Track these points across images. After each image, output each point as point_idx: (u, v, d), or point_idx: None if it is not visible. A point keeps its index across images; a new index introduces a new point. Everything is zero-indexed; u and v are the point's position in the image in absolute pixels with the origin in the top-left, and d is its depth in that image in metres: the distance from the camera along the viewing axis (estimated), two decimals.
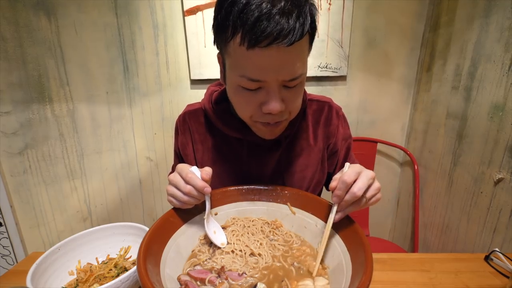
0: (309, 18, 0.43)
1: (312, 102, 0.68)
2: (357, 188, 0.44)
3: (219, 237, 0.52)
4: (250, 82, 0.46)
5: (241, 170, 0.66)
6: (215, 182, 0.64)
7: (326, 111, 0.68)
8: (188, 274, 0.45)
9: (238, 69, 0.46)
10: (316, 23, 0.47)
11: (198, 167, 0.51)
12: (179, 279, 0.43)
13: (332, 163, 0.72)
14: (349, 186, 0.44)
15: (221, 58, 0.52)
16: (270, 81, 0.46)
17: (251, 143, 0.64)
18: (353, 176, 0.44)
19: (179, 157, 0.73)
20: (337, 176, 0.47)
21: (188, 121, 0.68)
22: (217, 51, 0.53)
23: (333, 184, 0.46)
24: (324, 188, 0.75)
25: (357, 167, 0.46)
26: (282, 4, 0.40)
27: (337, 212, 0.47)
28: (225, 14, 0.43)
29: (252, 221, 0.58)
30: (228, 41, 0.44)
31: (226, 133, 0.64)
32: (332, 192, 0.47)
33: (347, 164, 0.49)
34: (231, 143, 0.66)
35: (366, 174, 0.45)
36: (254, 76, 0.45)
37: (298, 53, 0.45)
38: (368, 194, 0.46)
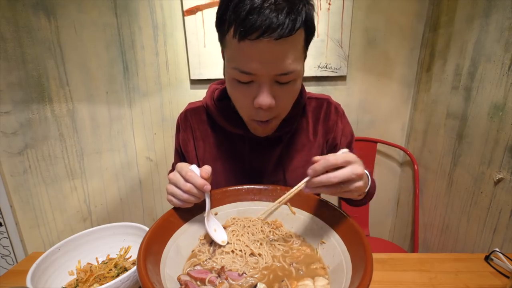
0: (304, 15, 0.44)
1: (311, 100, 0.69)
2: (334, 176, 0.41)
3: (219, 235, 0.53)
4: (241, 74, 0.48)
5: (242, 166, 0.67)
6: (217, 178, 0.65)
7: (325, 107, 0.69)
8: (188, 274, 0.45)
9: (232, 62, 0.48)
10: (314, 22, 0.48)
11: (199, 164, 0.51)
12: (179, 279, 0.43)
13: None
14: (329, 167, 0.42)
15: (223, 53, 0.54)
16: (261, 75, 0.47)
17: (253, 140, 0.65)
18: (340, 160, 0.42)
19: (180, 155, 0.73)
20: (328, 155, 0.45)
21: (189, 119, 0.69)
22: (221, 48, 0.54)
23: (317, 157, 0.43)
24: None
25: (352, 157, 0.43)
26: None
27: (306, 186, 0.45)
28: (223, 10, 0.45)
29: (252, 221, 0.57)
30: (225, 35, 0.47)
31: (227, 130, 0.65)
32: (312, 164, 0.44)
33: (346, 150, 0.46)
34: (232, 139, 0.66)
35: (354, 168, 0.42)
36: (244, 68, 0.47)
37: (289, 49, 0.45)
38: (345, 187, 0.43)
